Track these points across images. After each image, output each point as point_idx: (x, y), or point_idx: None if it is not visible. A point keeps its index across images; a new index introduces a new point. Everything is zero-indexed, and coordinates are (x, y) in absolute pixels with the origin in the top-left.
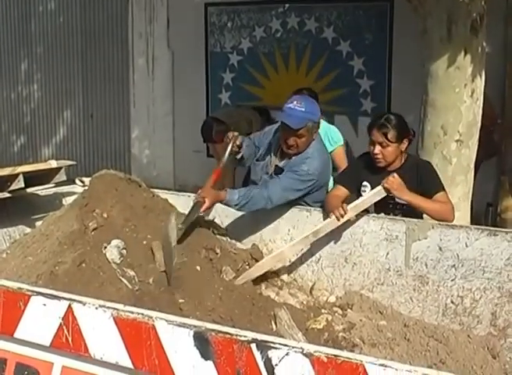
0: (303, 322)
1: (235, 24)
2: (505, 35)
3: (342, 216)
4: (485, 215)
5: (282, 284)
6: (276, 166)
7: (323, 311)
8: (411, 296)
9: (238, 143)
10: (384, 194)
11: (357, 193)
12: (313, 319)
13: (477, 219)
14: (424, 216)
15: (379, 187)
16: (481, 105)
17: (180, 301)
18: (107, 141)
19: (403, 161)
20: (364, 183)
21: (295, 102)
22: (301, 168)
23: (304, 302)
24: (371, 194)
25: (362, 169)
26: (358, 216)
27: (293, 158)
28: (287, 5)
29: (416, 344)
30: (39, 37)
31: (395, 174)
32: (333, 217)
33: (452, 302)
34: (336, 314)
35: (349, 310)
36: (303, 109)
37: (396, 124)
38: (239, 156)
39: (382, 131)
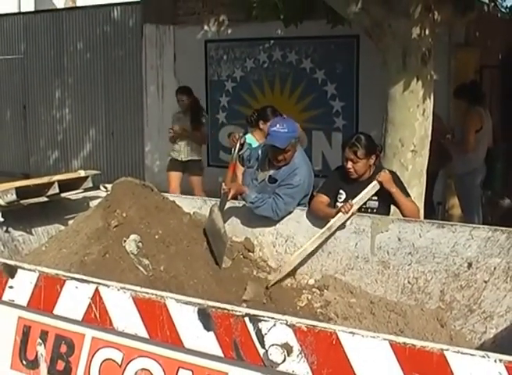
0: (291, 300)
1: (230, 57)
2: (448, 65)
3: (349, 210)
4: (435, 211)
5: (270, 270)
6: (270, 176)
7: (304, 291)
8: (376, 278)
9: (242, 142)
10: (378, 187)
11: (334, 200)
12: (297, 299)
13: (429, 215)
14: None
15: (374, 182)
16: (431, 122)
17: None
18: (125, 154)
19: (371, 172)
20: (341, 191)
21: (278, 125)
22: (295, 179)
23: (289, 285)
24: (368, 189)
25: (338, 179)
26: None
27: (283, 168)
28: (272, 41)
29: (380, 317)
30: (70, 70)
31: (386, 170)
32: (340, 213)
33: (409, 282)
34: (315, 294)
35: (325, 290)
36: (286, 130)
37: (364, 143)
38: (241, 153)
39: (352, 150)
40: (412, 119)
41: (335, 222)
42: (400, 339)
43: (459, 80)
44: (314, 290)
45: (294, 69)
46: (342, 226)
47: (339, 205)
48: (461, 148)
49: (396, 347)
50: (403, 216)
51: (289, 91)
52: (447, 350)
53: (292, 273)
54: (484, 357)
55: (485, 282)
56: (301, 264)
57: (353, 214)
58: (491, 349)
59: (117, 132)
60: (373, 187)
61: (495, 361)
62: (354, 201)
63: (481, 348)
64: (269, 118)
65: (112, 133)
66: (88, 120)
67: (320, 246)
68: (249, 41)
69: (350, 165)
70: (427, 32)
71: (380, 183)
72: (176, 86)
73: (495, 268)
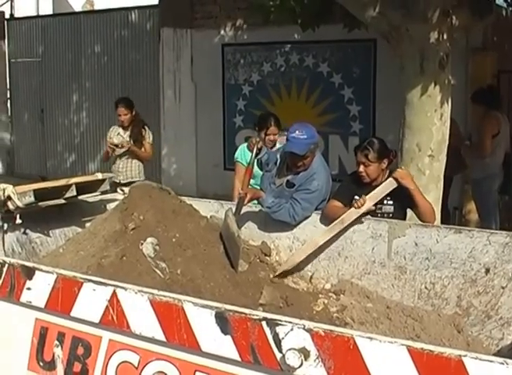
0: (307, 304)
1: (246, 61)
2: (466, 69)
3: (362, 205)
4: (451, 216)
5: (286, 274)
6: (288, 180)
7: (320, 296)
8: (393, 283)
9: (259, 147)
10: (395, 185)
11: (349, 205)
12: (313, 303)
13: (445, 220)
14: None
15: (390, 179)
16: (449, 127)
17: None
18: None
19: (386, 176)
20: (356, 197)
21: (297, 132)
22: (312, 185)
23: (305, 289)
24: (383, 185)
25: (352, 185)
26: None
27: (301, 173)
28: (289, 45)
29: (396, 322)
30: (87, 73)
31: (402, 167)
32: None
33: (425, 288)
34: (331, 298)
35: (341, 295)
36: (305, 137)
37: (376, 147)
38: (258, 157)
39: (364, 153)
40: (429, 123)
41: (347, 215)
42: (418, 344)
43: (476, 85)
44: (330, 294)
45: (311, 73)
46: (359, 229)
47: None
48: (478, 153)
49: (414, 352)
50: (420, 217)
51: (306, 95)
52: (465, 356)
53: (308, 278)
54: (503, 364)
55: (503, 288)
56: (317, 269)
57: (368, 212)
58: (508, 356)
59: None
60: (389, 184)
61: None
62: (368, 196)
63: (498, 354)
64: (263, 127)
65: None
66: (105, 124)
67: (336, 249)
68: (266, 45)
69: (361, 168)
70: (445, 36)
71: (396, 179)
72: (193, 90)
73: None
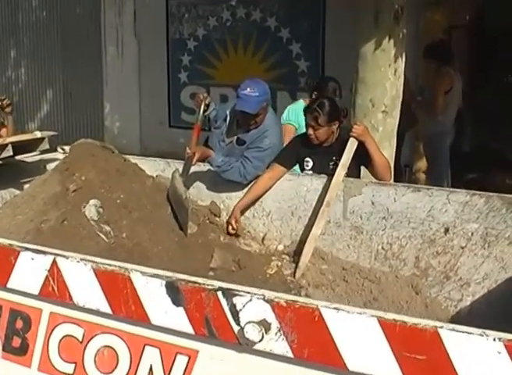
0: (260, 267)
1: (192, 15)
2: (417, 25)
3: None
4: (403, 174)
5: (237, 235)
6: (238, 138)
7: (273, 258)
8: (348, 244)
9: (207, 103)
10: (356, 142)
11: (300, 168)
12: (266, 266)
13: (397, 177)
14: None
15: (351, 139)
16: (403, 82)
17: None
18: (84, 116)
19: (335, 137)
20: (307, 158)
21: (248, 89)
22: (264, 143)
23: (257, 251)
24: (348, 149)
25: (301, 146)
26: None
27: (253, 130)
28: None
29: (353, 285)
30: (25, 28)
31: (357, 122)
32: (332, 185)
33: (382, 248)
34: (285, 260)
35: (295, 257)
36: (257, 94)
37: (326, 110)
38: (206, 114)
39: (313, 116)
40: (384, 78)
41: (331, 196)
42: (390, 315)
43: (427, 40)
44: (283, 256)
45: (258, 27)
46: (313, 188)
47: (307, 173)
48: (430, 110)
49: (386, 324)
50: (376, 174)
51: (252, 50)
52: (441, 327)
53: (260, 239)
54: (482, 335)
55: (462, 248)
56: (269, 229)
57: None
58: (467, 318)
59: (75, 93)
60: (351, 145)
61: (494, 339)
62: (340, 165)
63: (457, 316)
64: (326, 94)
65: (70, 93)
66: (45, 81)
67: (289, 209)
68: None
69: (311, 131)
70: None
71: (356, 138)
72: (136, 45)
73: (472, 233)
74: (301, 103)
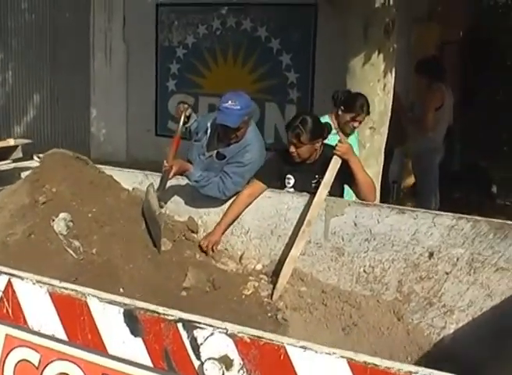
0: (236, 287)
1: (181, 22)
2: (409, 40)
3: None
4: (391, 190)
5: (213, 254)
6: (218, 152)
7: (250, 278)
8: (329, 265)
9: (187, 114)
10: (340, 161)
11: (280, 185)
12: (242, 286)
13: (384, 194)
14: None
15: (335, 157)
16: (392, 98)
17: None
18: (70, 122)
19: (318, 154)
20: (288, 175)
21: (230, 102)
22: (245, 158)
23: (234, 270)
24: (331, 168)
25: (282, 163)
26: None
27: (233, 144)
28: (226, 7)
29: (332, 309)
30: (14, 31)
31: (341, 140)
32: (314, 204)
33: (364, 271)
34: (262, 281)
35: (273, 277)
36: (238, 107)
37: (309, 127)
38: (187, 125)
39: (295, 133)
40: (372, 94)
41: (312, 215)
42: (361, 357)
43: (419, 56)
44: (261, 276)
45: (248, 37)
46: (293, 206)
47: (289, 190)
48: (421, 127)
49: (356, 366)
50: (359, 194)
51: (242, 60)
52: (416, 373)
53: (238, 258)
54: None
55: (447, 274)
56: (247, 247)
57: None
58: (450, 345)
59: (62, 98)
60: (335, 163)
61: None
62: (322, 184)
63: (439, 344)
64: (353, 110)
65: (57, 99)
66: (32, 85)
67: (268, 228)
68: (202, 6)
69: (292, 149)
70: (391, 1)
71: (340, 156)
72: (125, 52)
73: (458, 259)
74: (327, 118)
